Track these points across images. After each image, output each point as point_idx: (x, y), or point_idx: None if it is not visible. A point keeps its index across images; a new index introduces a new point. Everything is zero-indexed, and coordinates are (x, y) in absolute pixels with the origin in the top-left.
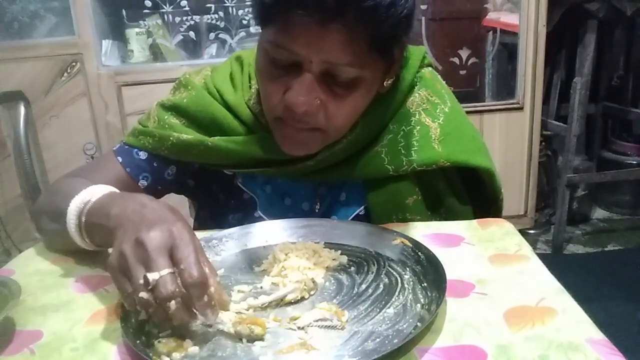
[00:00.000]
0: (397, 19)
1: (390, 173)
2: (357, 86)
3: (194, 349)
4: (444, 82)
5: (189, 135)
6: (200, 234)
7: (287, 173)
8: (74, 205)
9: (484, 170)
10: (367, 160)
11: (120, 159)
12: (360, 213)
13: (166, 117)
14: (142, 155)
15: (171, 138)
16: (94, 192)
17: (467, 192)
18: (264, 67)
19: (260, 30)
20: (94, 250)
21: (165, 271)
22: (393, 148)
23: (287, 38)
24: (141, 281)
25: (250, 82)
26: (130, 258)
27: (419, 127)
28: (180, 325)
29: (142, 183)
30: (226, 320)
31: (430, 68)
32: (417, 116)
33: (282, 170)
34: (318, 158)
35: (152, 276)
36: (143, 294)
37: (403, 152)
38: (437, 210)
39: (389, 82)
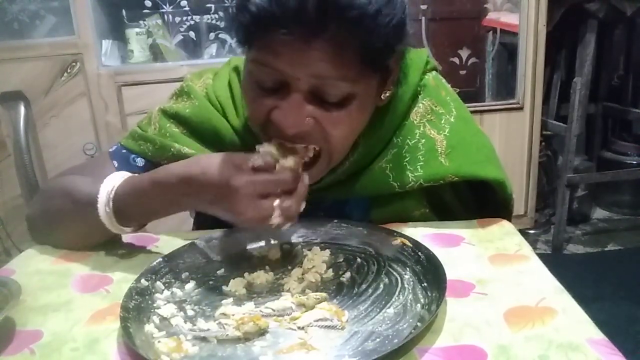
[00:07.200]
0: (386, 28)
1: (396, 190)
2: (349, 102)
3: (194, 349)
4: (449, 87)
5: (190, 148)
6: (200, 234)
7: None
8: (108, 186)
9: (494, 181)
10: (371, 177)
11: (116, 163)
12: None
13: (168, 125)
14: (139, 162)
15: (172, 149)
16: (124, 174)
17: (477, 199)
18: (249, 87)
19: (244, 53)
20: (120, 233)
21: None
22: (398, 163)
23: (270, 56)
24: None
25: None
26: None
27: (424, 140)
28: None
29: None
30: (229, 325)
31: (434, 73)
32: (421, 128)
33: None
34: (323, 181)
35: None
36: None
37: (409, 167)
38: (445, 220)
39: (387, 94)
